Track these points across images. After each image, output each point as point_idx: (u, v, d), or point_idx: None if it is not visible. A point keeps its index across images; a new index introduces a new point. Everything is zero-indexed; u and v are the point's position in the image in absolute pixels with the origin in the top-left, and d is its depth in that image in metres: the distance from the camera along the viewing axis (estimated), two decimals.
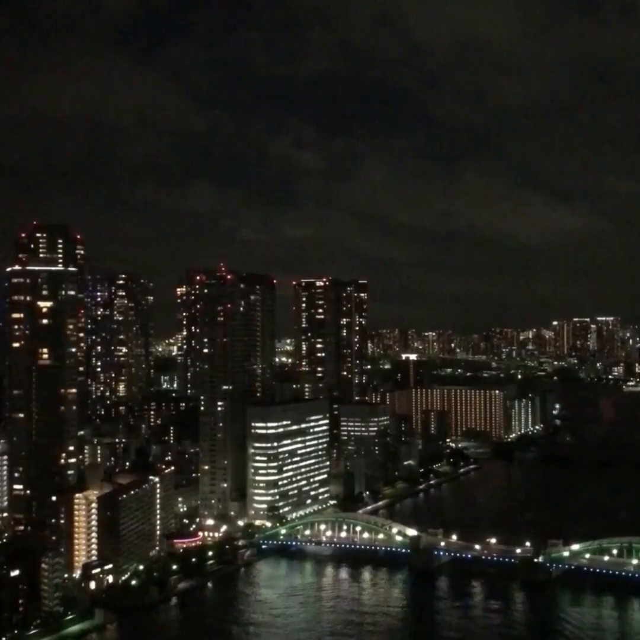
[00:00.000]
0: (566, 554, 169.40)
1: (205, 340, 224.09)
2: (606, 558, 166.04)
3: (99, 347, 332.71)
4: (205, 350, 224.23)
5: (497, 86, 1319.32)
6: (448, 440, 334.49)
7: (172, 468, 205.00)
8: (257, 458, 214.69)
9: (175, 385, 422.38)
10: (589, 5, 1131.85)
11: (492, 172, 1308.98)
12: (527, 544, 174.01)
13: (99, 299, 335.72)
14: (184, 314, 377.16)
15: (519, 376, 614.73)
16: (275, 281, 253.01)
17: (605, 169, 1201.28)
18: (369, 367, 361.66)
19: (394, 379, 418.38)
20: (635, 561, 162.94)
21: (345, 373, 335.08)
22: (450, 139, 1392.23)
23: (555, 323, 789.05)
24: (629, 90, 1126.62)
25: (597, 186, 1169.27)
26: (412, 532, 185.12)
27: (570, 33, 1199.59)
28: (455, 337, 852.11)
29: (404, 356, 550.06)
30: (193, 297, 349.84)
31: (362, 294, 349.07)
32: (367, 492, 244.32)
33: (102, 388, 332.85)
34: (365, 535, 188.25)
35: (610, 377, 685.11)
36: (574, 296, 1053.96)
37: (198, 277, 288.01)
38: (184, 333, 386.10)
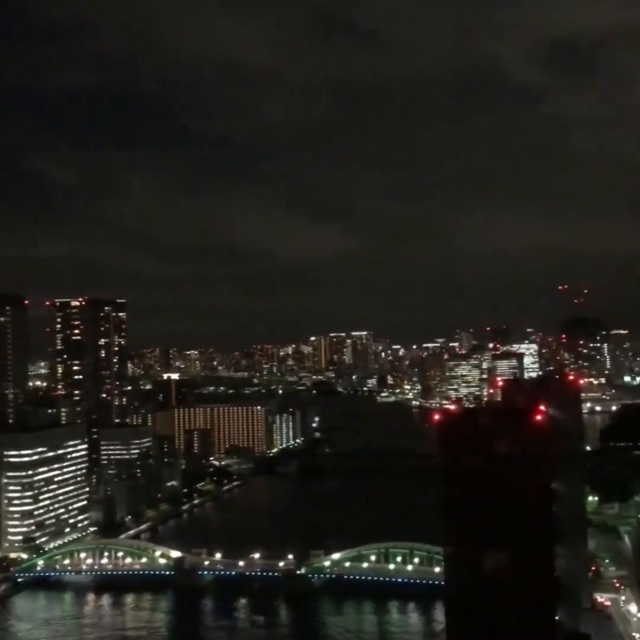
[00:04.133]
0: (327, 563, 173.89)
1: None
2: (365, 565, 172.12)
3: None
4: None
5: (256, 105, 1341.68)
6: (212, 458, 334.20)
7: None
8: (11, 488, 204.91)
9: None
10: (339, 28, 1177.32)
11: (252, 189, 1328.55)
12: (290, 556, 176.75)
13: None
14: None
15: (280, 391, 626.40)
16: (27, 302, 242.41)
17: (356, 189, 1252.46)
18: (129, 388, 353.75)
19: (155, 400, 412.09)
20: (392, 566, 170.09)
21: (104, 395, 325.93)
22: (212, 156, 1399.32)
23: (313, 338, 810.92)
24: (376, 110, 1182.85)
25: (349, 205, 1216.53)
26: (175, 553, 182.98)
27: (322, 54, 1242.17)
28: (217, 355, 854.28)
29: (165, 376, 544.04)
30: None
31: (121, 314, 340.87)
32: (129, 517, 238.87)
33: None
34: (128, 560, 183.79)
35: (365, 388, 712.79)
36: (330, 312, 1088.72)
37: None
38: None
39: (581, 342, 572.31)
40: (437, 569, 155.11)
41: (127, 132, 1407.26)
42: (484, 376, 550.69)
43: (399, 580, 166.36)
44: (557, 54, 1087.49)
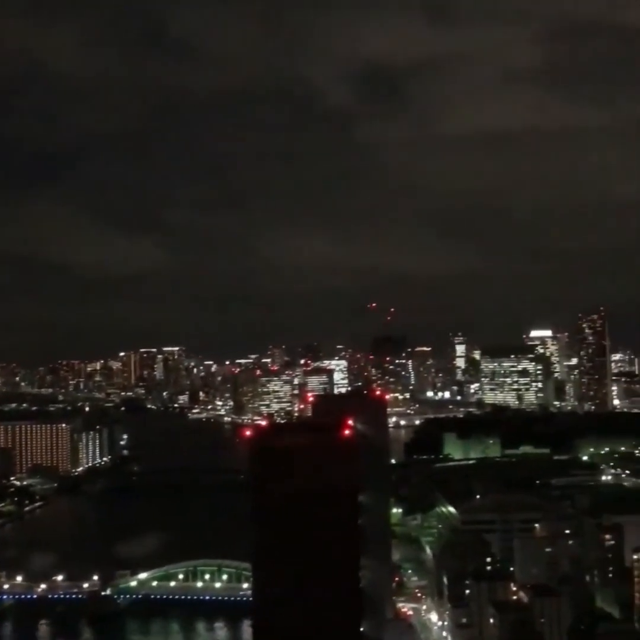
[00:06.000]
0: (134, 583, 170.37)
1: None
2: (173, 583, 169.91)
3: None
4: None
5: (65, 112, 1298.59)
6: (13, 478, 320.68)
7: None
8: None
9: None
10: (156, 38, 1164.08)
11: (61, 199, 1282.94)
12: (95, 577, 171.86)
13: None
14: None
15: (87, 408, 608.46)
16: None
17: (170, 201, 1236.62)
18: None
19: None
20: (200, 583, 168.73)
21: None
22: (14, 163, 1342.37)
23: (122, 354, 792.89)
24: (190, 122, 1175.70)
25: (163, 217, 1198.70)
26: None
27: (137, 64, 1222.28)
28: (20, 371, 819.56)
29: None
30: None
31: None
32: None
33: None
34: None
35: (176, 405, 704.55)
36: (141, 327, 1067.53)
37: None
38: None
39: (388, 358, 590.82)
40: (245, 585, 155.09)
41: None
42: (296, 392, 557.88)
43: (207, 597, 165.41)
44: (369, 78, 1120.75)
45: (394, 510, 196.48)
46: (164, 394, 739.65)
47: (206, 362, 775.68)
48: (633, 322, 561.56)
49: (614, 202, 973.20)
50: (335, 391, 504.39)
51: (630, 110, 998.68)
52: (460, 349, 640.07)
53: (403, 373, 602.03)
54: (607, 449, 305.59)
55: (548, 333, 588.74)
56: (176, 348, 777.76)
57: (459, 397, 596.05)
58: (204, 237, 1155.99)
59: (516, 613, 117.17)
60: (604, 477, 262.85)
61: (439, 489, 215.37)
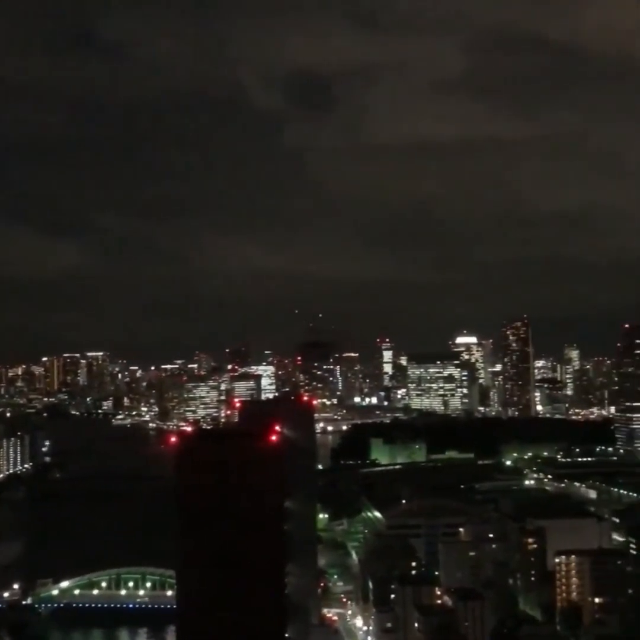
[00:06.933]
0: (56, 592, 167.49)
1: None
2: (96, 591, 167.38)
3: None
4: None
5: None
6: None
7: None
8: None
9: None
10: (82, 40, 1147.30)
11: None
12: (15, 586, 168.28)
13: None
14: None
15: (8, 414, 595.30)
16: None
17: (96, 205, 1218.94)
18: None
19: None
20: (123, 591, 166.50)
21: None
22: None
23: (45, 359, 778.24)
24: (117, 125, 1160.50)
25: (88, 221, 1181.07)
26: None
27: (62, 66, 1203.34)
28: None
29: None
30: None
31: None
32: None
33: None
34: None
35: (100, 411, 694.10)
36: (64, 332, 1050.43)
37: None
38: None
39: (315, 364, 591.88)
40: (169, 593, 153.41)
41: None
42: (222, 397, 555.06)
43: (131, 605, 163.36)
44: (299, 84, 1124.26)
45: (321, 515, 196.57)
46: (88, 399, 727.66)
47: (131, 368, 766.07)
48: (556, 330, 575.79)
49: (538, 213, 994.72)
50: (263, 397, 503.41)
51: (553, 122, 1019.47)
52: (387, 355, 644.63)
53: (331, 379, 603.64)
54: (530, 454, 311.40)
55: (473, 340, 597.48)
56: (100, 353, 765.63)
57: (386, 403, 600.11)
58: (133, 242, 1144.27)
59: (440, 617, 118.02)
60: (527, 482, 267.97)
61: (365, 494, 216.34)
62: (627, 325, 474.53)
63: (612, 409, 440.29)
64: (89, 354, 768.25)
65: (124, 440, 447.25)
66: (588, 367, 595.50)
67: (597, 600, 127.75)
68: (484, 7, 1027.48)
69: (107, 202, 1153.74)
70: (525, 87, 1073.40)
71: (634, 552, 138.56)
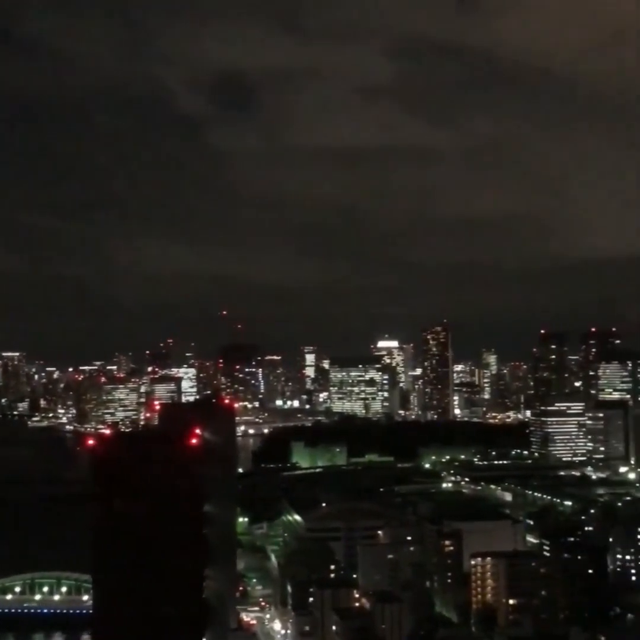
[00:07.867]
0: None
1: None
2: (9, 597, 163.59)
3: None
4: None
5: None
6: None
7: None
8: None
9: None
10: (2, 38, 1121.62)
11: None
12: None
13: None
14: None
15: None
16: None
17: (18, 204, 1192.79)
18: None
19: None
20: (38, 596, 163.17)
21: None
22: None
23: None
24: (37, 123, 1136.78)
25: (11, 220, 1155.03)
26: None
27: None
28: None
29: None
30: None
31: None
32: None
33: None
34: None
35: (15, 413, 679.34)
36: None
37: None
38: None
39: (237, 366, 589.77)
40: (85, 597, 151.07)
41: None
42: (142, 400, 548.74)
43: (45, 611, 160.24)
44: (221, 86, 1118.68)
45: (240, 519, 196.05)
46: (3, 401, 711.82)
47: (48, 369, 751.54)
48: (474, 335, 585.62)
49: (458, 219, 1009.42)
50: (183, 400, 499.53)
51: (472, 129, 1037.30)
52: (309, 359, 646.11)
53: (253, 381, 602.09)
54: (448, 457, 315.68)
55: (394, 344, 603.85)
56: (16, 353, 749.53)
57: (307, 406, 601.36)
58: (52, 242, 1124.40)
59: (358, 620, 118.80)
60: (444, 485, 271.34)
61: (285, 497, 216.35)
62: (543, 332, 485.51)
63: (528, 413, 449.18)
64: (5, 354, 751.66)
65: (40, 443, 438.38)
66: (505, 371, 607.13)
67: (511, 601, 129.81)
68: (410, 16, 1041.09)
69: (25, 200, 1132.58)
70: (447, 95, 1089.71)
71: (548, 554, 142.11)
